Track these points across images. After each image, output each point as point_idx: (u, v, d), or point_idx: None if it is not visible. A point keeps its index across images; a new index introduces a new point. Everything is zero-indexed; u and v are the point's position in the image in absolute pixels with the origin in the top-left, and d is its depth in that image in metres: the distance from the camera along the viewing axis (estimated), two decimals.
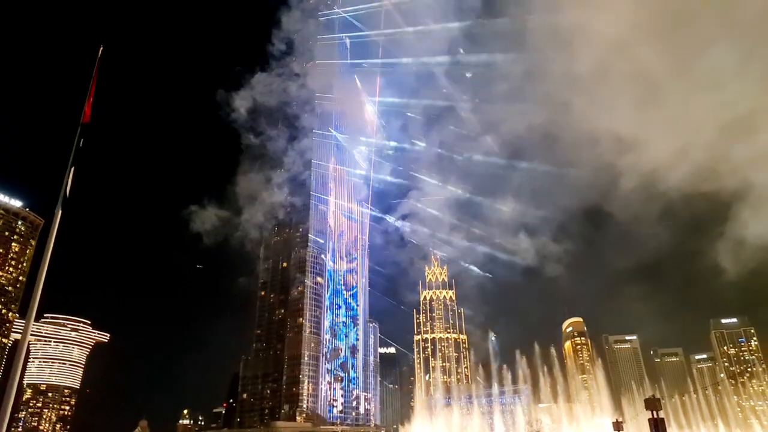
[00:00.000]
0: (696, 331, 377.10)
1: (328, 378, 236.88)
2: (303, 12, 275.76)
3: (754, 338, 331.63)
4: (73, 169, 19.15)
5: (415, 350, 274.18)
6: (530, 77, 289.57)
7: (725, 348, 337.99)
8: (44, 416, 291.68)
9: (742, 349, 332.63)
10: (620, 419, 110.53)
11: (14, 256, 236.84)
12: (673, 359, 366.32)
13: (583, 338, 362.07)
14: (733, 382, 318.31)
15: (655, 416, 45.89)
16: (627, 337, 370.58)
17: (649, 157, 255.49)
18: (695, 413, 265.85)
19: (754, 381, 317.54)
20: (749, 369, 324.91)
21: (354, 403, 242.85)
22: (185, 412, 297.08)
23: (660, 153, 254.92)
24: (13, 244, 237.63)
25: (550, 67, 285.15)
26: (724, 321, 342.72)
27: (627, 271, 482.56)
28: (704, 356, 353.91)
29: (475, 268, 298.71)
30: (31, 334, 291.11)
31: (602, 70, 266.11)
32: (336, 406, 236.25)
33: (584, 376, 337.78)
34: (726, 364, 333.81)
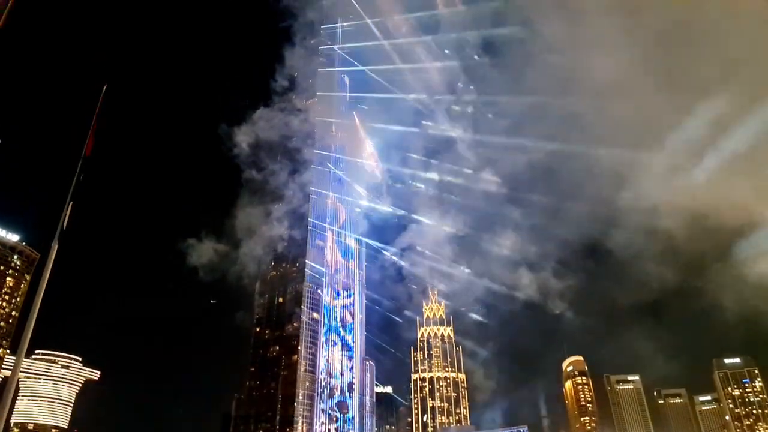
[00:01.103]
0: (699, 371, 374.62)
1: (323, 418, 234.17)
2: (306, 49, 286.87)
3: (759, 379, 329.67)
4: (71, 203, 19.23)
5: (413, 390, 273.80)
6: (529, 114, 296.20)
7: (729, 389, 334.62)
8: None
9: (747, 390, 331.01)
10: None
11: (8, 291, 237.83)
12: (677, 401, 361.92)
13: (584, 377, 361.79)
14: (739, 424, 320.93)
15: None
16: (629, 378, 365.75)
17: (649, 194, 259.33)
18: None
19: (761, 423, 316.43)
20: (755, 411, 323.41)
21: None
22: None
23: (660, 190, 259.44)
24: (8, 278, 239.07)
25: (549, 105, 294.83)
26: (727, 361, 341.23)
27: (628, 308, 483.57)
28: (708, 397, 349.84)
29: (474, 304, 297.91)
30: (21, 371, 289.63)
31: (601, 108, 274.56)
32: None
33: (586, 418, 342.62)
34: (731, 405, 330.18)
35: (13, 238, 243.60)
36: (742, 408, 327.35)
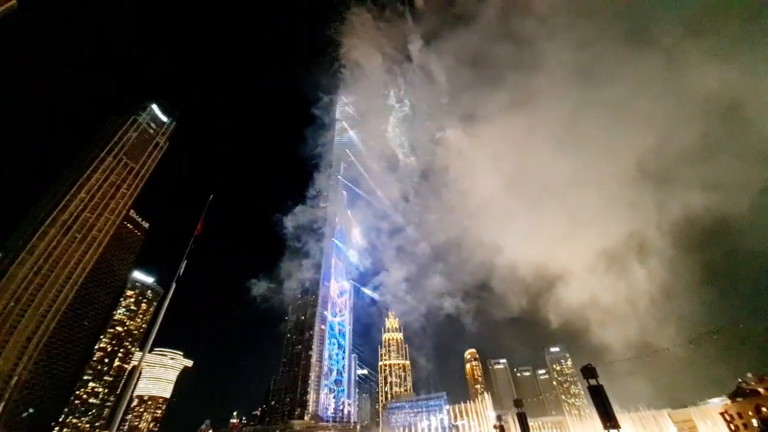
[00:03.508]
0: (538, 355, 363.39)
1: (326, 390, 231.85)
2: (325, 175, 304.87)
3: (569, 359, 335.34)
4: (185, 261, 18.72)
5: (379, 371, 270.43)
6: (447, 212, 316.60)
7: (554, 366, 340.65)
8: (143, 418, 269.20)
9: (564, 367, 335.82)
10: (501, 413, 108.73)
11: (142, 312, 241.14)
12: (526, 374, 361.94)
13: (476, 362, 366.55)
14: (560, 387, 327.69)
15: (593, 383, 27.83)
16: (501, 361, 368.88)
17: (512, 257, 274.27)
18: (541, 406, 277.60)
19: (572, 386, 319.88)
20: (568, 379, 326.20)
21: (341, 407, 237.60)
22: (235, 413, 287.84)
23: (517, 254, 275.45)
24: (143, 304, 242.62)
25: (455, 206, 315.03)
26: (552, 349, 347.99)
27: (501, 321, 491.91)
28: (543, 371, 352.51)
29: (416, 318, 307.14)
30: (144, 362, 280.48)
31: (484, 213, 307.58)
32: (329, 409, 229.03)
33: (477, 386, 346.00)
34: (555, 375, 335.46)
35: (149, 279, 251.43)
36: (562, 377, 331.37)
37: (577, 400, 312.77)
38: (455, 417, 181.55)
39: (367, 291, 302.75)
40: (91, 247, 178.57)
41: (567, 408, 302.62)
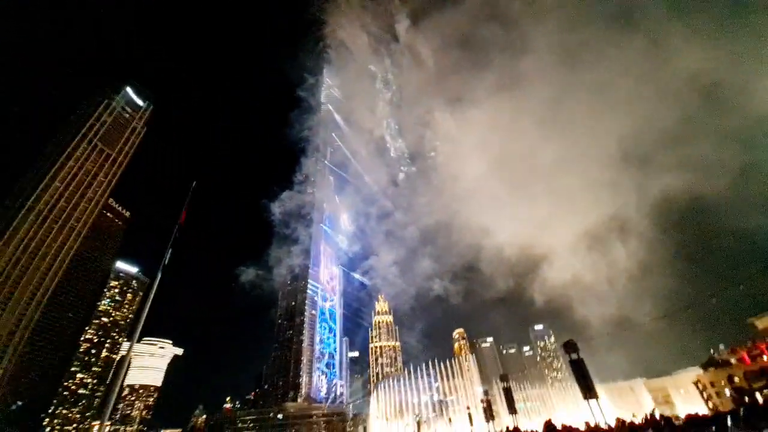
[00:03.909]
0: (523, 333, 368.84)
1: (318, 373, 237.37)
2: (313, 159, 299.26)
3: (552, 336, 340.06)
4: (170, 250, 18.61)
5: (370, 353, 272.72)
6: (434, 195, 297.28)
7: (538, 342, 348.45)
8: (135, 406, 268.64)
9: (547, 343, 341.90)
10: (487, 388, 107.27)
11: (128, 303, 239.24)
12: (512, 351, 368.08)
13: (464, 341, 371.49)
14: (543, 363, 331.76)
15: (574, 357, 27.49)
16: (487, 339, 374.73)
17: (498, 238, 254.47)
18: (526, 381, 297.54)
19: (555, 361, 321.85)
20: (551, 355, 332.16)
21: (333, 389, 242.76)
22: (228, 398, 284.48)
23: (504, 235, 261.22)
24: (128, 295, 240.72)
25: (444, 189, 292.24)
26: (536, 327, 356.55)
27: (488, 301, 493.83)
28: (527, 348, 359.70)
29: (406, 301, 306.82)
30: (133, 352, 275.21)
31: (469, 198, 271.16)
32: (322, 391, 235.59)
33: (466, 363, 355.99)
34: (540, 352, 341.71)
35: (134, 269, 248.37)
36: (545, 353, 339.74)
37: (558, 373, 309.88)
38: (444, 394, 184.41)
39: (356, 276, 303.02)
40: (69, 238, 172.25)
41: (550, 381, 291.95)
